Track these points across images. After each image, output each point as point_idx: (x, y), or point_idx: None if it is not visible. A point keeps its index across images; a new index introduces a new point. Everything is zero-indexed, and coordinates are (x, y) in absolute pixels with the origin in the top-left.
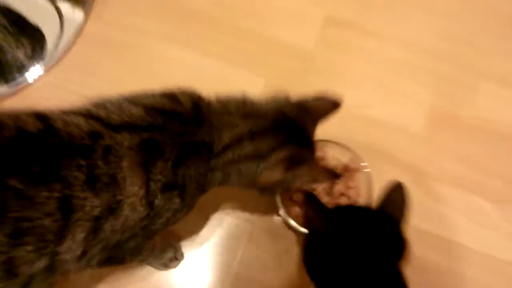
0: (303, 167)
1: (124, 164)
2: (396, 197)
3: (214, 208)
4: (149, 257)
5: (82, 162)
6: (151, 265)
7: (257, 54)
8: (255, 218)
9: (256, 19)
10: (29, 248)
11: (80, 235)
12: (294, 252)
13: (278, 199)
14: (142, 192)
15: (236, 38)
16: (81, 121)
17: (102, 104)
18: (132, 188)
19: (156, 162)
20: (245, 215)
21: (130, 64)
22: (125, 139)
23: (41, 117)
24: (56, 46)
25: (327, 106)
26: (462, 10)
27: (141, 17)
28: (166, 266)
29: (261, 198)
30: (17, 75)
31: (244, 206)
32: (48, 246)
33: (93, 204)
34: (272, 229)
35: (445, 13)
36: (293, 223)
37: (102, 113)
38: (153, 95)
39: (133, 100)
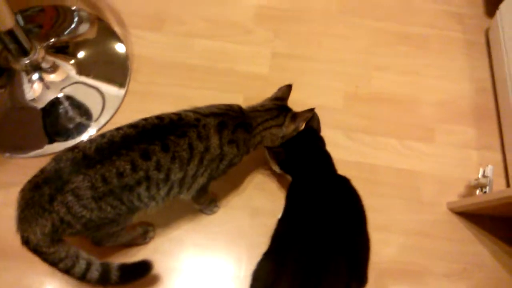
0: (297, 118)
1: (211, 131)
2: (316, 118)
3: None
4: (208, 200)
5: (194, 129)
6: (204, 211)
7: (234, 82)
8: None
9: (229, 62)
10: (177, 165)
11: (196, 161)
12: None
13: (267, 155)
14: (218, 142)
15: (221, 75)
16: (190, 113)
17: (200, 108)
18: (213, 140)
19: (224, 130)
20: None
21: (162, 106)
22: (211, 120)
23: (176, 114)
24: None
25: (288, 90)
26: (359, 34)
27: (161, 75)
28: (211, 211)
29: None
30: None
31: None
32: (183, 165)
33: (199, 147)
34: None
35: (354, 37)
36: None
37: (199, 109)
38: (221, 104)
39: (210, 106)
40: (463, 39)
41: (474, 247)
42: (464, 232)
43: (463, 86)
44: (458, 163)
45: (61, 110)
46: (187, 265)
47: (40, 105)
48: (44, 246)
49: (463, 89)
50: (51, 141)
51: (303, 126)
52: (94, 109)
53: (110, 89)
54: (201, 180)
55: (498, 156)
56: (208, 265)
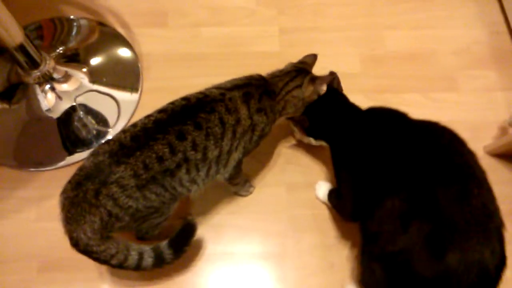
0: (316, 80)
1: (238, 102)
2: (336, 79)
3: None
4: (243, 180)
5: (221, 104)
6: (239, 193)
7: (248, 64)
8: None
9: (239, 45)
10: (211, 142)
11: (229, 135)
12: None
13: (292, 126)
14: (246, 112)
15: (233, 59)
16: (213, 90)
17: (220, 83)
18: (242, 112)
19: (251, 100)
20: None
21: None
22: (236, 93)
23: (201, 93)
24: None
25: (313, 58)
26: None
27: (174, 69)
28: (247, 192)
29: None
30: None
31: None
32: (218, 140)
33: (229, 120)
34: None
35: (354, 3)
36: (300, 134)
37: (221, 85)
38: (241, 76)
39: (232, 80)
40: None
41: None
42: (505, 174)
43: (477, 32)
44: (486, 107)
45: (76, 119)
46: (232, 249)
47: (56, 115)
48: (95, 245)
49: (477, 35)
50: (71, 152)
51: (323, 90)
52: (110, 115)
53: (123, 95)
54: (236, 155)
55: None
56: (253, 245)
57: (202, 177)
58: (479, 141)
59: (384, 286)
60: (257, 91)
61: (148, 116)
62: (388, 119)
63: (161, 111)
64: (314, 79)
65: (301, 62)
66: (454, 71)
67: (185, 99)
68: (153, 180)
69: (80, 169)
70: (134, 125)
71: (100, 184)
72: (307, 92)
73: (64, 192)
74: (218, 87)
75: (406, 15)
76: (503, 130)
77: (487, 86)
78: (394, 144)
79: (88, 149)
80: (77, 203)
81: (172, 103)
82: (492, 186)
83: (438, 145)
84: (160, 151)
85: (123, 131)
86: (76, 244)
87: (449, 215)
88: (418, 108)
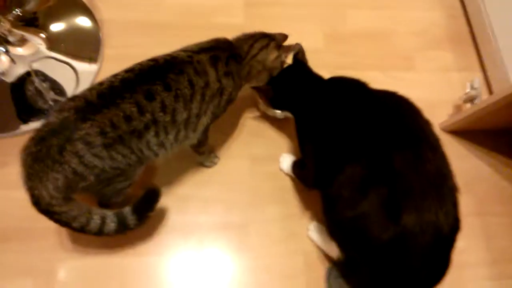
0: (281, 48)
1: (206, 66)
2: (301, 51)
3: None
4: (208, 150)
5: (190, 66)
6: (204, 163)
7: (212, 34)
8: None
9: (203, 16)
10: (181, 104)
11: (198, 98)
12: None
13: (257, 98)
14: (215, 75)
15: (196, 30)
16: (181, 52)
17: (186, 46)
18: (211, 74)
19: (218, 64)
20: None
21: None
22: (203, 56)
23: (168, 55)
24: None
25: (283, 37)
26: None
27: (136, 36)
28: (212, 163)
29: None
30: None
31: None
32: (187, 103)
33: (199, 82)
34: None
35: None
36: (266, 106)
37: (187, 48)
38: (208, 40)
39: (198, 43)
40: None
41: (472, 162)
42: (459, 150)
43: (435, 14)
44: (442, 86)
45: (32, 86)
46: (196, 219)
47: (10, 79)
48: (57, 205)
49: (435, 17)
50: (25, 121)
51: (287, 58)
52: (67, 85)
53: (82, 65)
54: (205, 120)
55: (478, 75)
56: (216, 216)
57: (170, 141)
58: (435, 118)
59: (347, 250)
60: (223, 54)
61: (115, 75)
62: (348, 89)
63: (128, 70)
64: (280, 46)
65: (271, 34)
66: (413, 51)
67: (153, 60)
68: (120, 140)
69: (45, 124)
70: (101, 83)
71: (65, 140)
72: (271, 56)
73: (26, 148)
74: (185, 50)
75: None
76: (458, 108)
77: (443, 66)
78: (354, 112)
79: (43, 118)
80: (40, 158)
81: (139, 63)
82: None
83: (394, 113)
84: (128, 110)
85: (89, 88)
86: (37, 202)
87: (404, 178)
88: (377, 85)
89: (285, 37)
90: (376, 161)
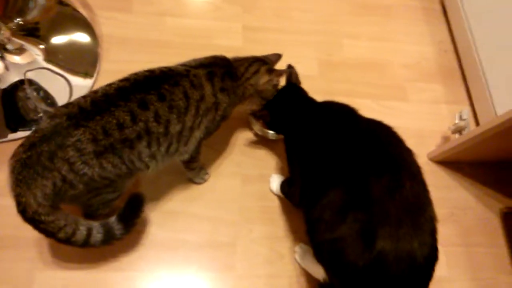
0: (272, 72)
1: (203, 79)
2: (295, 74)
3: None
4: (199, 166)
5: (186, 79)
6: (194, 180)
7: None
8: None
9: (203, 37)
10: (175, 116)
11: (192, 111)
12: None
13: (251, 120)
14: (210, 89)
15: (195, 50)
16: (179, 66)
17: (186, 62)
18: (207, 88)
19: (214, 79)
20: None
21: None
22: (200, 71)
23: (165, 67)
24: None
25: (276, 57)
26: (324, 5)
27: (135, 52)
28: (202, 179)
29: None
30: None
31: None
32: (181, 115)
33: (194, 95)
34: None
35: (317, 9)
36: (259, 127)
37: (186, 62)
38: (206, 56)
39: (197, 59)
40: (420, 7)
41: (458, 192)
42: (446, 180)
43: (427, 49)
44: (431, 117)
45: (23, 95)
46: (183, 236)
47: (2, 85)
48: (43, 213)
49: (427, 51)
50: (14, 129)
51: (279, 82)
52: (60, 97)
53: (76, 79)
54: (198, 134)
55: (466, 108)
56: (204, 233)
57: (162, 152)
58: (423, 147)
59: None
60: (220, 71)
61: (109, 84)
62: (335, 114)
63: (123, 79)
64: (271, 70)
65: (265, 57)
66: (404, 82)
67: (149, 71)
68: (112, 148)
69: (36, 130)
70: (95, 91)
71: (56, 147)
72: (263, 79)
73: (15, 155)
74: (183, 65)
75: (366, 27)
76: (446, 139)
77: (433, 98)
78: (338, 137)
79: (32, 127)
80: (29, 165)
81: (135, 73)
82: (434, 191)
83: (377, 140)
84: (121, 117)
85: (83, 96)
86: (23, 210)
87: (380, 204)
88: (369, 113)
89: (278, 57)
90: (355, 187)
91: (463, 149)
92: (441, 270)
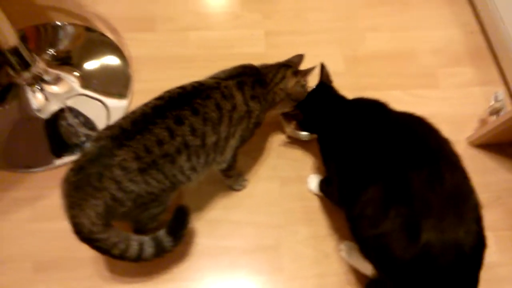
0: (298, 73)
1: (233, 90)
2: (326, 73)
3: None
4: (236, 174)
5: (217, 91)
6: (233, 187)
7: (236, 64)
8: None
9: (227, 47)
10: (209, 128)
11: (226, 121)
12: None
13: (283, 123)
14: (242, 98)
15: (221, 60)
16: (208, 80)
17: (214, 73)
18: (238, 98)
19: (244, 88)
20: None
21: None
22: (230, 82)
23: (196, 82)
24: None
25: (299, 58)
26: (338, 1)
27: (164, 70)
28: (241, 186)
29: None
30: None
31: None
32: (215, 126)
33: (226, 106)
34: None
35: (333, 8)
36: (291, 130)
37: (215, 75)
38: (235, 66)
39: (225, 70)
40: None
41: (502, 174)
42: (488, 163)
43: (452, 32)
44: (465, 101)
45: (65, 122)
46: (227, 243)
47: (45, 115)
48: (97, 232)
49: (452, 35)
50: (58, 155)
51: (307, 82)
52: (99, 120)
53: (112, 101)
54: (233, 142)
55: (501, 88)
56: (248, 239)
57: (201, 164)
58: (461, 133)
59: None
60: (249, 79)
61: (146, 104)
62: (367, 110)
63: (158, 98)
64: (297, 72)
65: (288, 61)
66: (433, 69)
67: (181, 87)
68: (154, 164)
69: (83, 154)
70: (133, 112)
71: (103, 167)
72: (290, 83)
73: (66, 178)
74: (213, 77)
75: (385, 18)
76: (483, 122)
77: (465, 82)
78: (372, 133)
79: (76, 153)
80: (80, 187)
81: (168, 91)
82: (476, 175)
83: (412, 133)
84: (160, 134)
85: (123, 117)
86: (79, 231)
87: (422, 197)
88: (400, 104)
89: (300, 57)
90: (395, 182)
91: (502, 131)
92: (491, 255)
